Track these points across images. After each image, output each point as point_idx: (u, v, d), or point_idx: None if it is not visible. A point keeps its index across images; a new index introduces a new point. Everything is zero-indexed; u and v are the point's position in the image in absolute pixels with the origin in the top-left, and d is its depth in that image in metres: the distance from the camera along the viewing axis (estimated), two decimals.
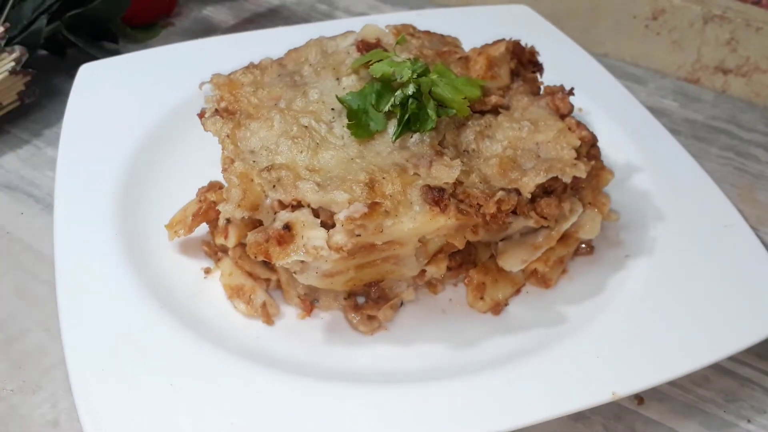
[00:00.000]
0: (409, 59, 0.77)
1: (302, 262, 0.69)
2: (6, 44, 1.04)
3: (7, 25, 1.05)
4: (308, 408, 0.66)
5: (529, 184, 0.73)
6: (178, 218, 0.82)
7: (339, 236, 0.67)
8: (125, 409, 0.65)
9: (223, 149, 0.76)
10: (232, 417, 0.65)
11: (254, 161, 0.73)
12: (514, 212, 0.72)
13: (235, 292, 0.78)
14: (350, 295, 0.78)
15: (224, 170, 0.75)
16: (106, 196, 0.85)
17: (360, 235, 0.67)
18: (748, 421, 0.76)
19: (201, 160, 0.88)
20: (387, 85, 0.75)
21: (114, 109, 0.96)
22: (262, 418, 0.65)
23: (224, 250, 0.81)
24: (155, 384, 0.67)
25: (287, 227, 0.68)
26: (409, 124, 0.73)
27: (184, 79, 0.98)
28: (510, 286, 0.81)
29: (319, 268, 0.70)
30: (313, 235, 0.68)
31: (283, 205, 0.70)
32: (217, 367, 0.69)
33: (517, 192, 0.72)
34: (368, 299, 0.77)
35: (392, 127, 0.74)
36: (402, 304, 0.79)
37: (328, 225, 0.69)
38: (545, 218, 0.75)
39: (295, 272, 0.71)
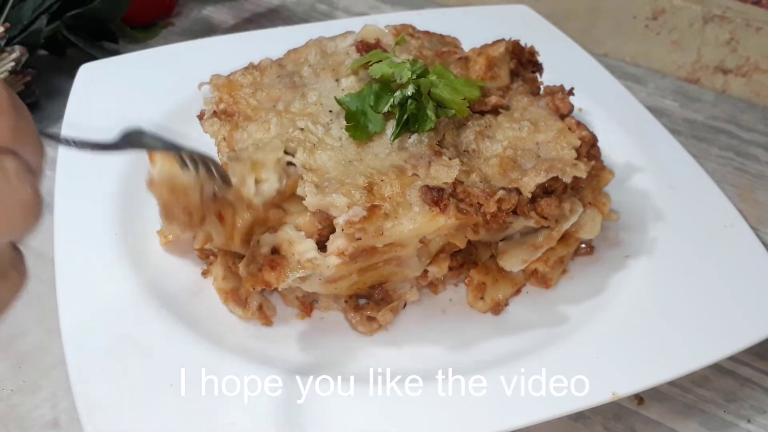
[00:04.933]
0: (409, 60, 0.77)
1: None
2: (6, 44, 1.04)
3: (7, 25, 1.04)
4: (308, 408, 0.66)
5: (529, 183, 0.73)
6: None
7: (339, 241, 0.67)
8: (125, 409, 0.65)
9: (219, 152, 0.76)
10: (232, 417, 0.65)
11: None
12: (514, 212, 0.72)
13: (229, 296, 0.77)
14: (351, 296, 0.78)
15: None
16: (106, 196, 0.85)
17: (360, 239, 0.66)
18: (748, 421, 0.76)
19: None
20: (386, 86, 0.75)
21: (114, 109, 0.96)
22: (262, 418, 0.65)
23: (216, 253, 0.81)
24: (155, 384, 0.67)
25: (275, 251, 0.68)
26: (408, 125, 0.73)
27: (184, 79, 0.98)
28: (510, 286, 0.81)
29: (322, 275, 0.70)
30: (302, 249, 0.68)
31: None
32: (217, 367, 0.69)
33: (518, 191, 0.72)
34: (371, 301, 0.77)
35: (390, 128, 0.74)
36: (405, 305, 0.79)
37: (324, 230, 0.69)
38: (545, 218, 0.75)
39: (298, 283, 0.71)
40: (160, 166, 0.63)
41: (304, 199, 0.69)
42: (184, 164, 0.62)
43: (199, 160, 0.62)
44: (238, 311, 0.76)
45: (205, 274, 0.81)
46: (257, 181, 0.68)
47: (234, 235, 0.70)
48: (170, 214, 0.65)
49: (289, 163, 0.71)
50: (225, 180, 0.65)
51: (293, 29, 1.13)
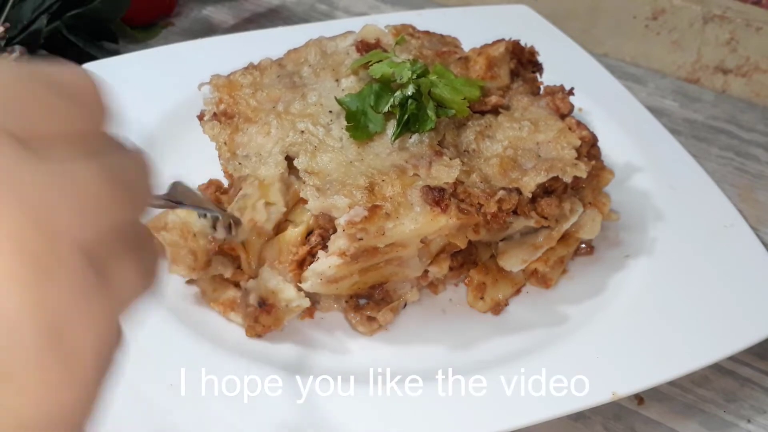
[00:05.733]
0: (409, 60, 0.77)
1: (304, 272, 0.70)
2: (6, 44, 1.04)
3: (7, 25, 1.05)
4: (308, 408, 0.67)
5: (529, 183, 0.73)
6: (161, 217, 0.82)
7: (341, 241, 0.67)
8: (125, 409, 0.65)
9: (220, 157, 0.76)
10: (232, 417, 0.65)
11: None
12: (514, 212, 0.72)
13: (228, 307, 0.76)
14: (351, 296, 0.78)
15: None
16: None
17: (362, 239, 0.66)
18: (748, 421, 0.76)
19: (201, 160, 0.88)
20: (386, 86, 0.75)
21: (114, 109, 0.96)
22: (262, 418, 0.65)
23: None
24: (155, 384, 0.67)
25: (262, 303, 0.71)
26: (408, 125, 0.73)
27: (184, 79, 0.98)
28: (510, 286, 0.80)
29: (323, 275, 0.70)
30: (288, 296, 0.71)
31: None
32: (217, 367, 0.69)
33: (518, 191, 0.72)
34: (371, 301, 0.77)
35: (391, 128, 0.74)
36: (405, 305, 0.79)
37: (328, 230, 0.69)
38: (546, 218, 0.75)
39: (299, 282, 0.71)
40: (178, 212, 0.70)
41: (306, 203, 0.69)
42: (203, 215, 0.70)
43: (220, 213, 0.69)
44: (239, 320, 0.75)
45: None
46: (267, 204, 0.71)
47: (251, 263, 0.75)
48: (177, 256, 0.71)
49: (291, 167, 0.72)
50: (237, 224, 0.71)
51: (293, 29, 1.13)
